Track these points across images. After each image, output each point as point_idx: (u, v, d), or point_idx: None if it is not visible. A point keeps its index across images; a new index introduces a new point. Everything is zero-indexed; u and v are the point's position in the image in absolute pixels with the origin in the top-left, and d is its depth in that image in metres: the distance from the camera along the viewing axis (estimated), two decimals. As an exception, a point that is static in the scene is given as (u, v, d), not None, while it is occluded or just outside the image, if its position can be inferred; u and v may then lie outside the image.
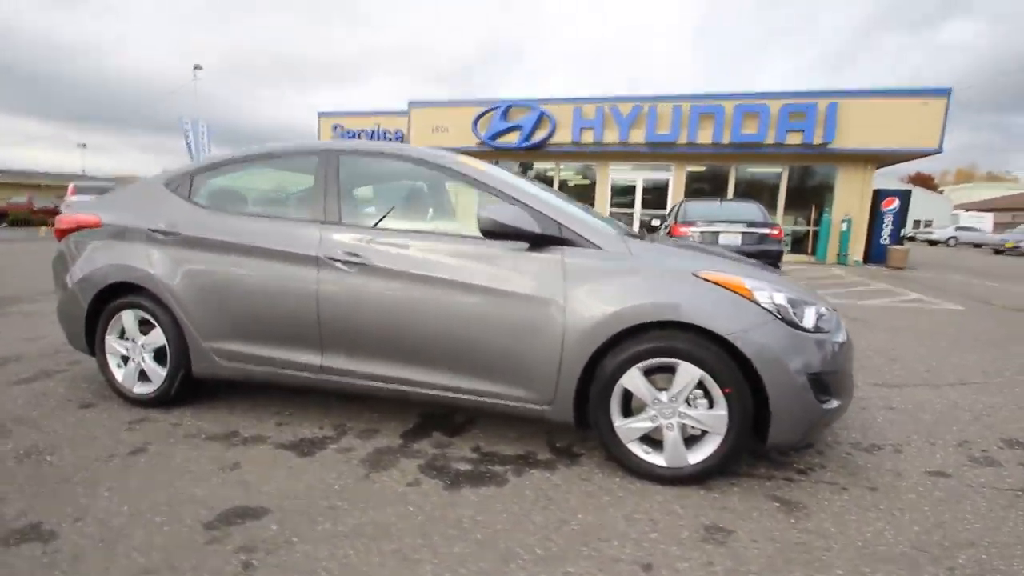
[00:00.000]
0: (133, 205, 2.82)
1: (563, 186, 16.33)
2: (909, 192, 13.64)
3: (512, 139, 14.98)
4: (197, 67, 23.38)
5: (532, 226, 2.11)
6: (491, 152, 15.40)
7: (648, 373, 2.05)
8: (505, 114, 15.01)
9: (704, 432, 2.05)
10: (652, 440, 2.12)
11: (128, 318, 2.72)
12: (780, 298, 2.01)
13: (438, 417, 2.71)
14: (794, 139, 12.64)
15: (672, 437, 2.05)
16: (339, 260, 2.35)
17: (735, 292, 2.00)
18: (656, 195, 15.14)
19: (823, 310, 2.11)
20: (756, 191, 14.29)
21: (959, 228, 32.22)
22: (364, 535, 1.73)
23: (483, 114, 15.28)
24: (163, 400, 2.73)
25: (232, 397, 2.92)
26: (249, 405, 2.81)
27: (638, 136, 13.83)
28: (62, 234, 2.93)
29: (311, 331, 2.42)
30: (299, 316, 2.42)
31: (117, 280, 2.69)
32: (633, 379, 2.05)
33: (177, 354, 2.66)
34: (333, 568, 1.56)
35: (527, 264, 2.15)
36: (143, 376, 2.76)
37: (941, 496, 2.05)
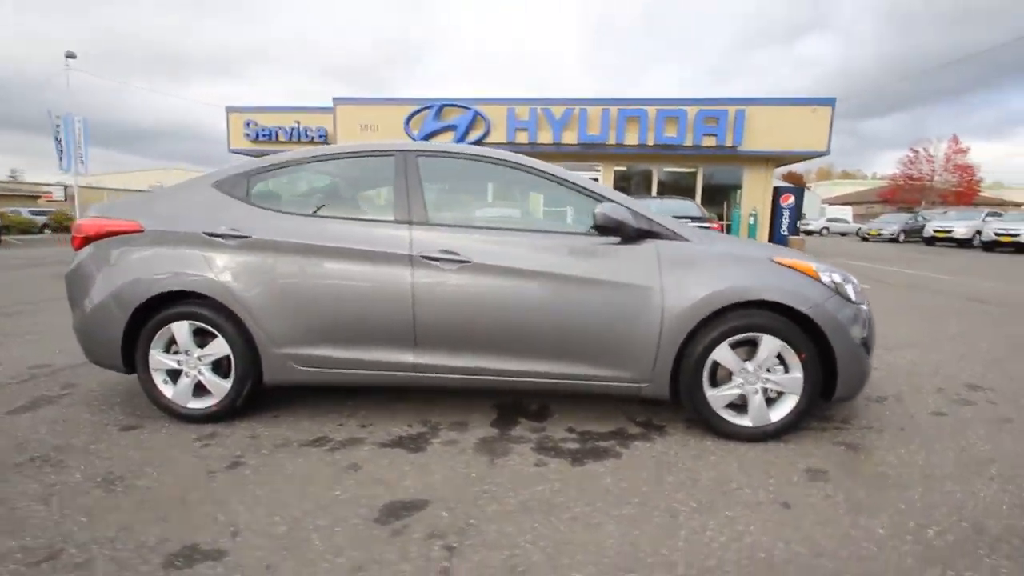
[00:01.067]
0: (182, 208, 2.63)
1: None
2: (803, 189, 15.60)
3: (447, 139, 14.96)
4: (70, 55, 20.56)
5: (632, 222, 2.34)
6: (425, 152, 15.29)
7: (732, 347, 2.36)
8: (439, 113, 14.96)
9: (780, 394, 2.40)
10: (735, 405, 2.44)
11: (181, 329, 2.55)
12: (836, 276, 2.42)
13: (513, 406, 2.84)
14: (709, 141, 13.95)
15: (757, 400, 2.38)
16: (436, 258, 2.40)
17: (805, 274, 2.37)
18: (586, 193, 15.90)
19: (858, 285, 2.55)
20: (676, 189, 15.54)
21: (830, 220, 37.11)
22: (535, 509, 1.85)
23: (415, 113, 15.11)
24: (226, 414, 2.59)
25: (282, 405, 2.82)
26: (308, 411, 2.75)
27: (570, 137, 14.46)
28: (85, 242, 2.66)
29: (405, 329, 2.45)
30: (393, 315, 2.44)
31: (169, 289, 2.50)
32: (723, 353, 2.35)
33: (244, 364, 2.54)
34: (531, 538, 1.68)
35: (627, 255, 2.37)
36: (199, 390, 2.60)
37: (951, 429, 2.58)
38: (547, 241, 2.45)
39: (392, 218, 2.52)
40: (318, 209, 2.72)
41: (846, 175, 78.34)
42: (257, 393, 2.66)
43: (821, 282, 2.37)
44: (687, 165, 15.43)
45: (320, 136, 17.02)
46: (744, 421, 2.40)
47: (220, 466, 2.18)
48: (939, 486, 2.03)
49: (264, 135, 17.33)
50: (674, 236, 2.41)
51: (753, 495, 1.96)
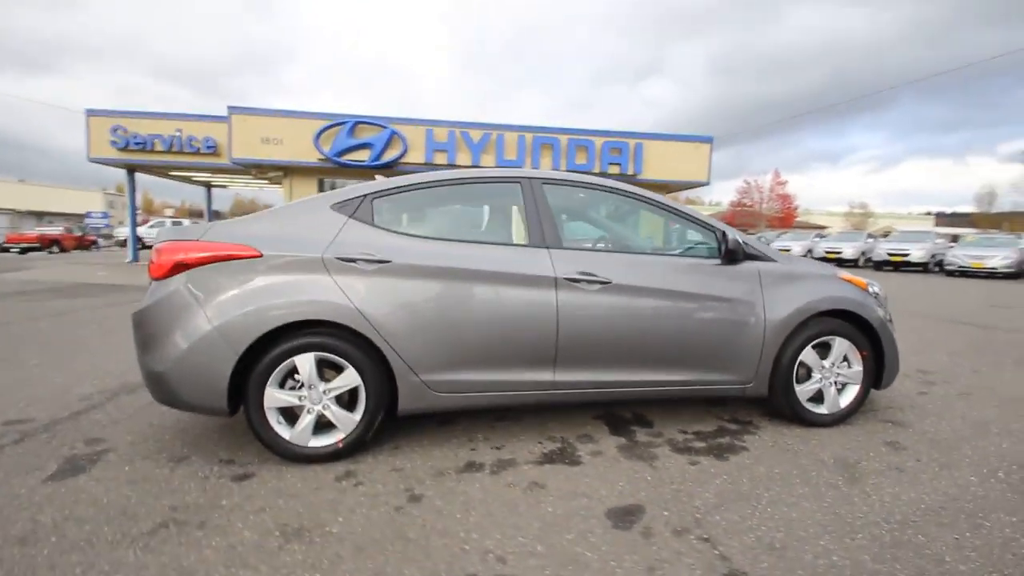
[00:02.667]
0: (303, 232, 2.45)
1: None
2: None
3: (362, 157, 14.49)
4: None
5: (743, 247, 2.74)
6: (337, 169, 14.63)
7: (812, 348, 2.87)
8: (352, 130, 14.44)
9: (845, 385, 2.95)
10: (812, 398, 2.93)
11: (305, 362, 2.36)
12: (878, 288, 3.06)
13: (611, 417, 3.05)
14: (614, 170, 15.34)
15: (832, 392, 2.90)
16: (578, 279, 2.57)
17: (859, 286, 2.96)
18: (501, 215, 16.44)
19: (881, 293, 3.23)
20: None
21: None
22: (735, 499, 2.11)
23: (326, 129, 14.40)
24: (352, 449, 2.44)
25: (388, 438, 2.73)
26: (427, 440, 2.70)
27: (488, 160, 14.89)
28: (175, 270, 2.34)
29: (548, 348, 2.56)
30: (539, 335, 2.53)
31: (297, 319, 2.33)
32: (808, 354, 2.84)
33: (377, 394, 2.43)
34: (758, 521, 1.94)
35: (736, 275, 2.76)
36: (320, 427, 2.42)
37: (940, 404, 3.36)
38: (673, 262, 2.76)
39: (527, 242, 2.63)
40: (437, 232, 2.72)
41: (690, 201, 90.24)
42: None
43: (869, 292, 2.99)
44: (592, 190, 16.71)
45: (209, 147, 15.37)
46: (822, 409, 2.91)
47: (400, 501, 2.09)
48: (973, 443, 2.70)
49: (137, 143, 15.17)
50: (767, 258, 2.87)
51: (870, 464, 2.43)
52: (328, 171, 15.06)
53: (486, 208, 3.03)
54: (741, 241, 2.75)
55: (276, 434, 2.37)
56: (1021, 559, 1.74)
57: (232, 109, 14.47)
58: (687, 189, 17.92)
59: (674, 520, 1.96)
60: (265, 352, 2.33)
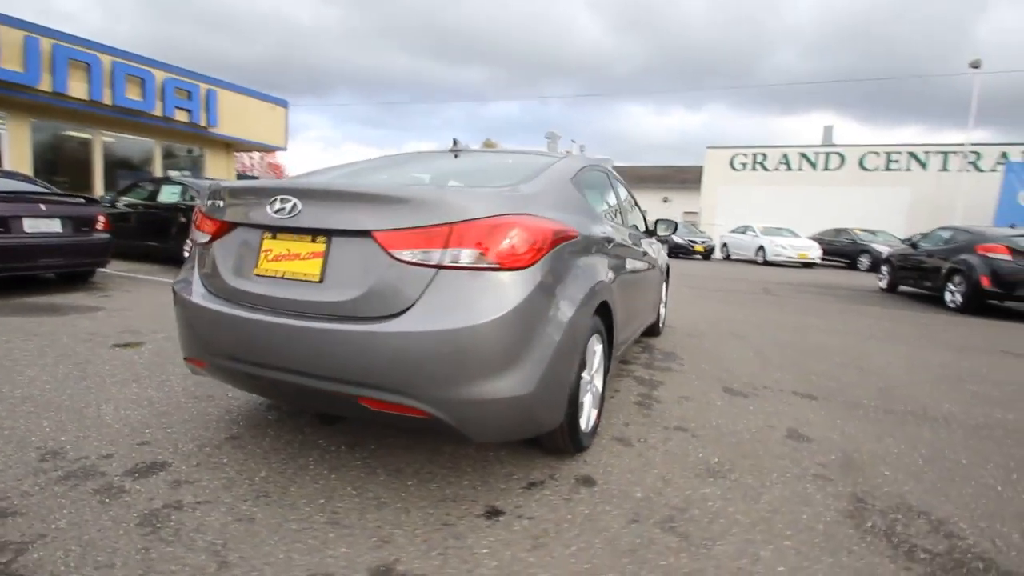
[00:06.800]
0: (572, 209, 2.20)
1: None
2: (256, 179, 16.39)
3: None
4: None
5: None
6: None
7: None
8: None
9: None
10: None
11: (595, 344, 2.28)
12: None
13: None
14: (182, 116, 12.40)
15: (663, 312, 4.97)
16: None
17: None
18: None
19: None
20: (125, 164, 12.71)
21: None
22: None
23: None
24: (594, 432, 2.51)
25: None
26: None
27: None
28: (540, 254, 1.73)
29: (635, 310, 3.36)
30: (650, 301, 3.30)
31: (600, 301, 2.22)
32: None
33: (605, 371, 2.59)
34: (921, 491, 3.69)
35: (654, 243, 4.30)
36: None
37: (739, 344, 6.07)
38: (644, 237, 4.01)
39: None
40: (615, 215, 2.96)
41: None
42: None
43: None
44: (144, 136, 12.88)
45: None
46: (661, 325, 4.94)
47: (668, 507, 1.83)
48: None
49: None
50: (655, 234, 4.53)
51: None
52: None
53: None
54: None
55: (579, 428, 2.19)
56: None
57: None
58: (266, 151, 16.61)
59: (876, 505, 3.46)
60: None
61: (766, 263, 16.41)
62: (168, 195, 7.90)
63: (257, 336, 1.72)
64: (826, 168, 22.45)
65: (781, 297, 8.43)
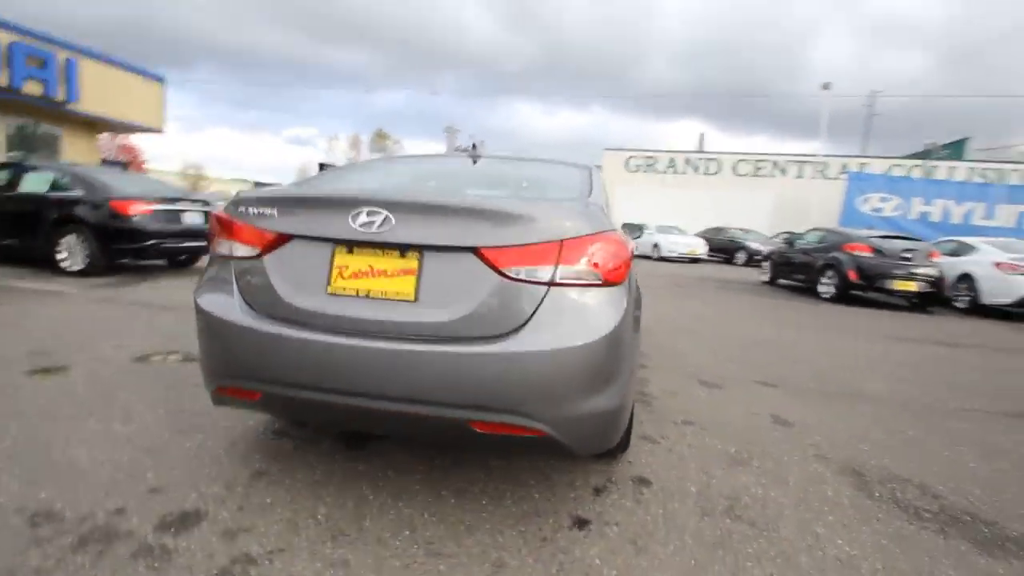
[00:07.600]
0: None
1: None
2: (126, 166, 14.22)
3: None
4: None
5: None
6: None
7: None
8: None
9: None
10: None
11: (628, 351, 2.41)
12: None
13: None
14: (34, 89, 10.33)
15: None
16: None
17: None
18: None
19: None
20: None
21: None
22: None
23: None
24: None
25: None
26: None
27: None
28: (627, 269, 1.80)
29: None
30: None
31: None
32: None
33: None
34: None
35: None
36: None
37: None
38: None
39: None
40: None
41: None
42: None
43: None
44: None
45: None
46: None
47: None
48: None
49: None
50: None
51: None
52: None
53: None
54: None
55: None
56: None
57: None
58: (138, 133, 14.42)
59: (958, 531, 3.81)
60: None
61: (661, 259, 17.84)
62: (35, 184, 6.64)
63: (338, 361, 1.57)
64: (706, 172, 24.97)
65: (691, 290, 9.29)
